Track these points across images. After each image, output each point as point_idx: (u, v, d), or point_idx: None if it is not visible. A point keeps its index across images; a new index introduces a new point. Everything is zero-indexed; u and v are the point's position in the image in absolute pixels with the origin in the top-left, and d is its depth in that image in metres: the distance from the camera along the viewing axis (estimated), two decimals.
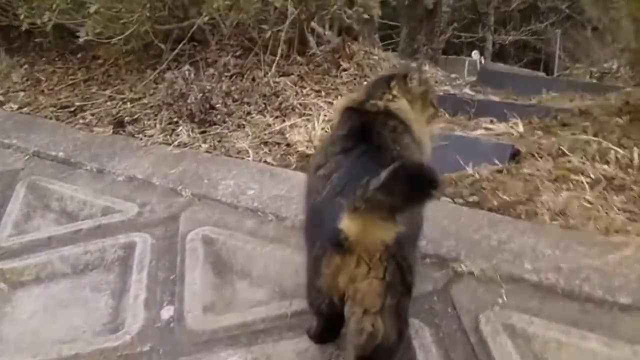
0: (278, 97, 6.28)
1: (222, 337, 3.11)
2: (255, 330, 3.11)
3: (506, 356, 2.95)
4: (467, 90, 7.76)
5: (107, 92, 6.94)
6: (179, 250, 3.80)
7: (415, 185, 2.19)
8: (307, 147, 5.33)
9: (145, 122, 6.04)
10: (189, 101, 5.77)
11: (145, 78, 6.94)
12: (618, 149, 4.68)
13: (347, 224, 2.30)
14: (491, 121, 6.08)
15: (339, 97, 6.36)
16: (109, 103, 6.66)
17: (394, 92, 2.98)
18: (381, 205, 2.21)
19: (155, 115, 6.14)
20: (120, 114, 6.30)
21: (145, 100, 6.55)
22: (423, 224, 2.87)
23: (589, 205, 4.15)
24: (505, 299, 3.36)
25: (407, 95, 2.99)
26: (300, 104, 6.18)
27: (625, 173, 4.53)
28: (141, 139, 5.71)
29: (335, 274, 2.42)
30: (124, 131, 5.95)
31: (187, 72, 5.92)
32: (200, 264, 3.63)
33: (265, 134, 5.64)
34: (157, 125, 5.89)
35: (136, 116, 6.20)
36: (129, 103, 6.57)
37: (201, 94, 5.83)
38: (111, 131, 5.98)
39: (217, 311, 3.33)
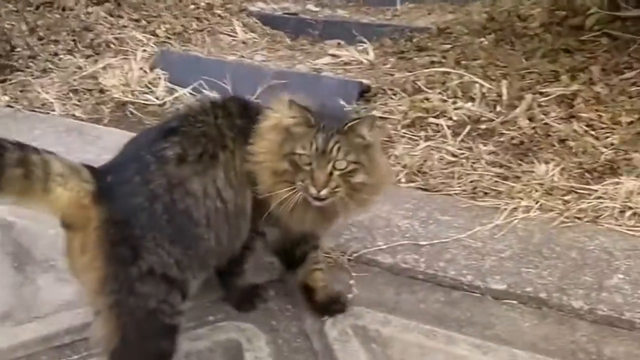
0: (90, 32, 5.42)
1: (21, 356, 2.55)
2: (60, 345, 2.57)
3: None
4: (310, 5, 6.97)
5: None
6: None
7: None
8: (123, 93, 4.64)
9: None
10: None
11: None
12: (483, 82, 4.01)
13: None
14: (338, 44, 5.51)
15: (162, 26, 5.62)
16: None
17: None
18: None
19: None
20: None
21: None
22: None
23: (452, 159, 3.51)
24: (355, 291, 2.78)
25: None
26: (117, 39, 5.35)
27: (493, 111, 3.90)
28: None
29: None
30: None
31: None
32: None
33: (75, 80, 4.87)
34: None
35: None
36: None
37: None
38: None
39: (17, 319, 2.79)
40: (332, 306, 2.64)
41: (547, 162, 3.40)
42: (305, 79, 4.57)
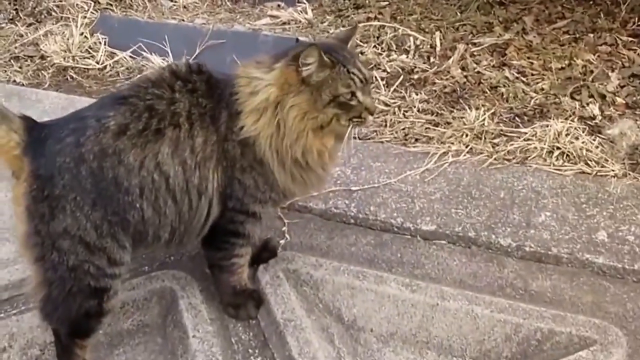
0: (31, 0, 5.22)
1: None
2: (9, 297, 2.52)
3: (289, 311, 2.39)
4: None
5: None
6: None
7: None
8: (64, 59, 4.50)
9: None
10: None
11: None
12: (417, 35, 3.98)
13: None
14: (278, 6, 5.37)
15: None
16: None
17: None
18: None
19: None
20: None
21: None
22: None
23: (385, 108, 3.48)
24: (287, 237, 2.78)
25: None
26: (58, 7, 5.16)
27: (427, 63, 3.89)
28: None
29: None
30: None
31: None
32: None
33: (16, 47, 4.72)
34: None
35: None
36: None
37: None
38: None
39: None
40: (263, 254, 2.61)
41: (477, 108, 3.40)
42: (242, 38, 4.47)
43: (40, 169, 2.01)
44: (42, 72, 4.42)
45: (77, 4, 5.13)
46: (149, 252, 2.56)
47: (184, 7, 5.58)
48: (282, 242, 2.72)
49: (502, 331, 2.31)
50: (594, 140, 3.17)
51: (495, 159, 3.08)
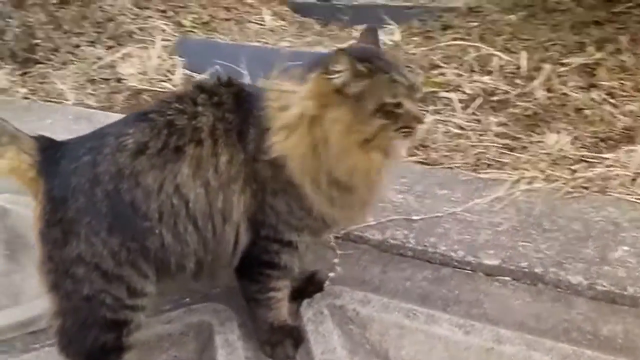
0: (114, 22, 5.31)
1: None
2: (35, 330, 2.43)
3: (329, 351, 2.20)
4: None
5: None
6: None
7: None
8: (140, 81, 4.49)
9: None
10: (6, 38, 4.93)
11: None
12: (502, 55, 3.74)
13: None
14: None
15: (188, 16, 5.50)
16: None
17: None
18: None
19: None
20: None
21: None
22: None
23: (458, 132, 3.26)
24: (338, 270, 2.58)
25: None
26: (140, 29, 5.24)
27: (510, 84, 3.63)
28: None
29: None
30: None
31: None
32: None
33: (93, 70, 4.76)
34: None
35: None
36: None
37: (21, 29, 4.96)
38: None
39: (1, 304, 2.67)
40: (308, 287, 2.44)
41: (558, 132, 3.13)
42: (312, 58, 4.32)
43: (53, 191, 1.92)
44: (116, 94, 4.43)
45: (159, 27, 5.16)
46: (181, 284, 2.41)
47: (271, 30, 5.55)
48: (331, 274, 2.54)
49: None
50: None
51: (572, 187, 2.81)
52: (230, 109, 2.00)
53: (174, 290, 2.46)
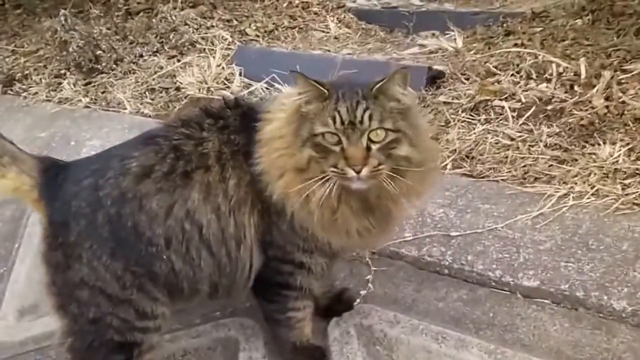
0: (177, 33, 5.29)
1: (30, 350, 2.48)
2: None
3: None
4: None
5: (10, 47, 6.09)
6: (19, 236, 3.19)
7: None
8: (199, 90, 4.48)
9: (34, 78, 5.26)
10: (70, 50, 5.00)
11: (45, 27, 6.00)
12: (560, 62, 3.54)
13: None
14: (433, 34, 5.15)
15: (252, 25, 5.47)
16: (7, 59, 5.79)
17: None
18: None
19: (45, 68, 5.34)
20: (13, 70, 5.51)
21: (41, 52, 5.69)
22: None
23: (508, 142, 3.09)
24: (370, 287, 2.49)
25: None
26: (203, 39, 5.21)
27: (568, 92, 3.41)
28: (25, 97, 5.02)
29: None
30: (11, 90, 5.25)
31: (63, 18, 5.05)
32: (33, 252, 2.94)
33: (154, 79, 4.79)
34: (43, 81, 5.13)
35: (27, 71, 5.40)
36: (23, 57, 5.73)
37: (85, 40, 5.01)
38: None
39: (39, 313, 2.67)
40: (336, 306, 2.36)
41: (613, 143, 2.92)
42: (374, 67, 4.28)
43: (54, 214, 1.91)
44: (174, 103, 4.43)
45: (222, 36, 5.15)
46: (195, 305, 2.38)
47: (335, 37, 5.47)
48: (363, 292, 2.44)
49: None
50: None
51: (623, 202, 2.63)
52: (237, 130, 1.96)
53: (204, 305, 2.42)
